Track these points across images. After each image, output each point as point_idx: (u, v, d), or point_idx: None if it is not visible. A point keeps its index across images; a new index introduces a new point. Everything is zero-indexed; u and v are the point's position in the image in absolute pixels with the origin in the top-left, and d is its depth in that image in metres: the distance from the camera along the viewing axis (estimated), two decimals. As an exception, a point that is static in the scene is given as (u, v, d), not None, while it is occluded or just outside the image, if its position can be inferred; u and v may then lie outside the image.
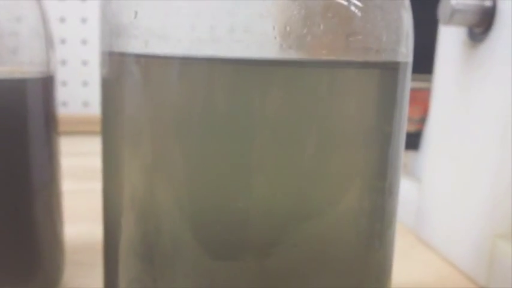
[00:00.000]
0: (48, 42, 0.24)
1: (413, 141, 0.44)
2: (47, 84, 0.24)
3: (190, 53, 0.14)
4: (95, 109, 0.78)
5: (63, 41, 0.81)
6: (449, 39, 0.34)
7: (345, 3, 0.14)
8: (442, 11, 0.31)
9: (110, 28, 0.16)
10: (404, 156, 0.52)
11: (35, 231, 0.24)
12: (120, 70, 0.16)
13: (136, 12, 0.15)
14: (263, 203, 0.15)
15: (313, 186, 0.15)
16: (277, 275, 0.16)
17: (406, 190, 0.41)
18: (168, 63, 0.14)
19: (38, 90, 0.24)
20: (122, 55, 0.16)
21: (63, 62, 0.81)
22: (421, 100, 0.47)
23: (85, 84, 0.82)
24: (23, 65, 0.24)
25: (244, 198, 0.15)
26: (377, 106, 0.16)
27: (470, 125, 0.32)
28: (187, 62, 0.14)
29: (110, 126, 0.17)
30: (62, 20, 0.81)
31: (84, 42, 0.82)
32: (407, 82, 0.17)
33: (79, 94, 0.81)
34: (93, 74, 0.81)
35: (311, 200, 0.16)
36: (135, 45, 0.15)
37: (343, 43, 0.15)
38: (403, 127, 0.17)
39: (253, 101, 0.14)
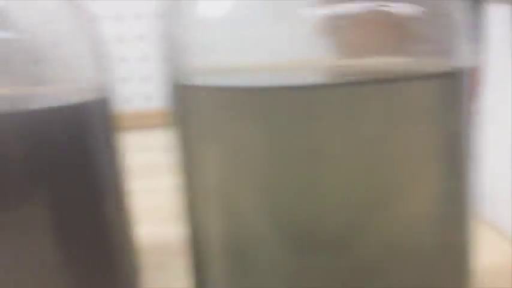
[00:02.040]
0: (104, 62, 0.25)
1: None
2: (105, 103, 0.25)
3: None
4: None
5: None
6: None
7: (403, 11, 0.15)
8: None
9: (176, 65, 0.17)
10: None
11: (110, 235, 0.25)
12: (187, 102, 0.17)
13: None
14: (339, 201, 0.16)
15: (388, 185, 0.16)
16: (357, 271, 0.17)
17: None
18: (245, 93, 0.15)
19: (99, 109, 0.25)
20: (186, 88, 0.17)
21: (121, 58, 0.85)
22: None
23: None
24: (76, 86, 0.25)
25: (323, 199, 0.16)
26: (445, 109, 0.17)
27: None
28: (262, 91, 0.15)
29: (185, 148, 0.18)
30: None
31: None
32: (467, 89, 0.17)
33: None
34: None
35: (387, 198, 0.16)
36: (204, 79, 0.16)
37: (405, 51, 0.15)
38: (472, 122, 0.18)
39: (330, 122, 0.15)
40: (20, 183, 0.22)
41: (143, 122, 0.80)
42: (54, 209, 0.23)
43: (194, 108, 0.17)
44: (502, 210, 0.35)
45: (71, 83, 0.24)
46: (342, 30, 0.16)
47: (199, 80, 0.17)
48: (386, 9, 0.15)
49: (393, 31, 0.16)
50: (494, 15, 0.35)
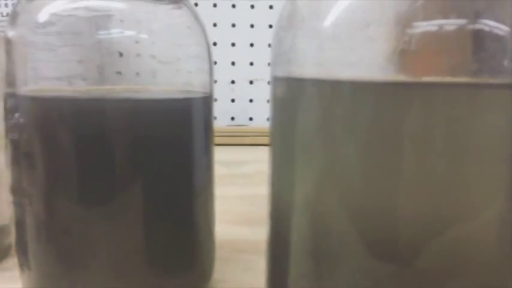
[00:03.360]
0: (211, 65, 0.28)
1: None
2: (207, 101, 0.28)
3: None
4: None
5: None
6: None
7: (487, 28, 0.17)
8: None
9: (287, 57, 0.20)
10: None
11: (195, 228, 0.28)
12: (295, 93, 0.19)
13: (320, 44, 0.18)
14: (415, 208, 0.17)
15: (458, 194, 0.18)
16: (427, 277, 0.18)
17: None
18: (336, 87, 0.18)
19: (201, 106, 0.28)
20: (297, 80, 0.19)
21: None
22: None
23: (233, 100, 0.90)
24: (189, 86, 0.28)
25: (399, 204, 0.17)
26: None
27: None
28: (352, 86, 0.18)
29: (281, 139, 0.20)
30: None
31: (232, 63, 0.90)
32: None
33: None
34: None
35: (457, 207, 0.18)
36: (317, 73, 0.18)
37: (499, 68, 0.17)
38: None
39: (409, 119, 0.17)
40: (127, 165, 0.24)
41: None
42: (154, 189, 0.25)
43: (298, 99, 0.19)
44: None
45: (187, 80, 0.27)
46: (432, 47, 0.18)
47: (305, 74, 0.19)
48: (480, 27, 0.17)
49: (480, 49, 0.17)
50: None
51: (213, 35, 0.90)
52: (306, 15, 0.19)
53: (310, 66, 0.19)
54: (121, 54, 0.24)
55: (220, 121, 0.92)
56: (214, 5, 0.90)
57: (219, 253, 0.33)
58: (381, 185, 0.18)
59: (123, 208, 0.24)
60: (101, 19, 0.24)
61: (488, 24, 0.17)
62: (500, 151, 0.18)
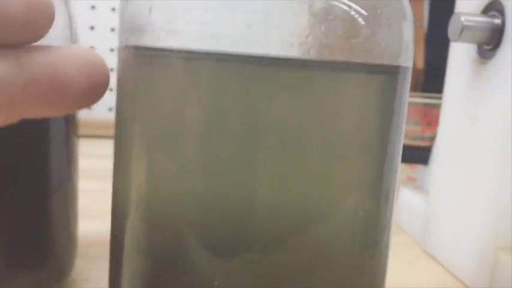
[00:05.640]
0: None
1: (424, 156, 0.44)
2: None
3: (197, 48, 0.15)
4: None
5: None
6: (459, 55, 0.35)
7: (346, 7, 0.15)
8: (452, 28, 0.32)
9: (127, 26, 0.17)
10: (414, 171, 0.52)
11: (49, 225, 0.26)
12: (132, 64, 0.17)
13: (150, 9, 0.16)
14: (261, 204, 0.16)
15: (309, 189, 0.16)
16: (273, 275, 0.16)
17: (415, 203, 0.42)
18: (174, 57, 0.16)
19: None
20: (135, 48, 0.17)
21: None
22: (433, 117, 0.48)
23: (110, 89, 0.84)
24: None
25: (243, 197, 0.16)
26: (377, 110, 0.17)
27: (477, 140, 0.33)
28: (192, 57, 0.15)
29: (121, 120, 0.18)
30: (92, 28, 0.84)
31: (112, 49, 0.84)
32: (407, 88, 0.18)
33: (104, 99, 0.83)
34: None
35: (307, 201, 0.16)
36: (148, 41, 0.16)
37: (344, 45, 0.16)
38: (401, 134, 0.18)
39: (253, 98, 0.15)
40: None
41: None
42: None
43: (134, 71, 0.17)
44: (441, 240, 0.36)
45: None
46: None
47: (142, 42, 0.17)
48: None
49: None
50: (456, 52, 0.37)
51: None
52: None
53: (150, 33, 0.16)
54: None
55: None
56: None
57: (87, 250, 0.30)
58: (220, 177, 0.16)
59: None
60: None
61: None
62: (354, 143, 0.17)
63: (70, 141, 0.26)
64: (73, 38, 0.25)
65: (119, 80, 0.18)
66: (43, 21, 0.13)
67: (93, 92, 0.15)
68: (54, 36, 0.24)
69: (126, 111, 0.18)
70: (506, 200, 0.30)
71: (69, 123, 0.26)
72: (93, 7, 0.84)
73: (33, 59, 0.13)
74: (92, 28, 0.84)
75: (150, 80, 0.16)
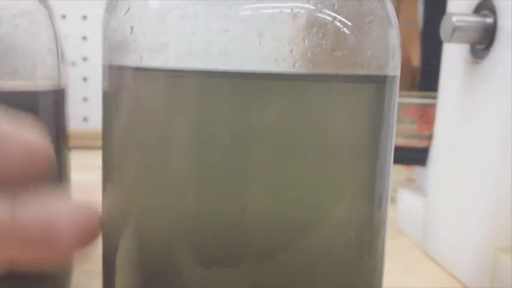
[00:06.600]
0: (60, 57, 0.25)
1: (422, 157, 0.44)
2: (58, 96, 0.25)
3: (182, 67, 0.15)
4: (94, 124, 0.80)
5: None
6: (452, 56, 0.35)
7: (330, 18, 0.15)
8: (444, 29, 0.32)
9: (110, 43, 0.17)
10: (412, 172, 0.52)
11: None
12: (116, 83, 0.17)
13: (132, 28, 0.16)
14: (254, 215, 0.16)
15: (301, 199, 0.16)
16: (267, 284, 0.16)
17: (413, 205, 0.42)
18: (159, 76, 0.15)
19: (50, 102, 0.25)
20: (119, 68, 0.17)
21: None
22: (430, 116, 0.47)
23: (85, 100, 0.84)
24: (37, 80, 0.25)
25: (236, 210, 0.16)
26: (366, 119, 0.17)
27: (473, 140, 0.32)
28: (177, 75, 0.15)
29: (108, 139, 0.18)
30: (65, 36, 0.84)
31: (84, 58, 0.85)
32: (395, 96, 0.18)
33: (79, 109, 0.83)
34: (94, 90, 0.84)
35: (300, 210, 0.16)
36: (131, 59, 0.16)
37: (329, 58, 0.16)
38: (391, 140, 0.18)
39: (241, 113, 0.15)
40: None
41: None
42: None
43: (119, 90, 0.17)
44: (440, 242, 0.36)
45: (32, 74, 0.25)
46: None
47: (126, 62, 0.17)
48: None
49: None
50: (449, 52, 0.36)
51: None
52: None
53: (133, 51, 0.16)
54: None
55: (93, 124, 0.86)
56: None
57: (83, 265, 0.30)
58: (211, 190, 0.16)
59: None
60: None
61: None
62: (344, 153, 0.16)
63: (61, 155, 0.26)
64: (58, 50, 0.25)
65: (104, 97, 0.18)
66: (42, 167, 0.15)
67: (83, 246, 0.15)
68: (40, 50, 0.24)
69: (114, 128, 0.17)
70: (504, 202, 0.29)
71: (60, 136, 0.26)
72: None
73: (27, 211, 0.14)
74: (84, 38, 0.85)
75: (136, 99, 0.16)
